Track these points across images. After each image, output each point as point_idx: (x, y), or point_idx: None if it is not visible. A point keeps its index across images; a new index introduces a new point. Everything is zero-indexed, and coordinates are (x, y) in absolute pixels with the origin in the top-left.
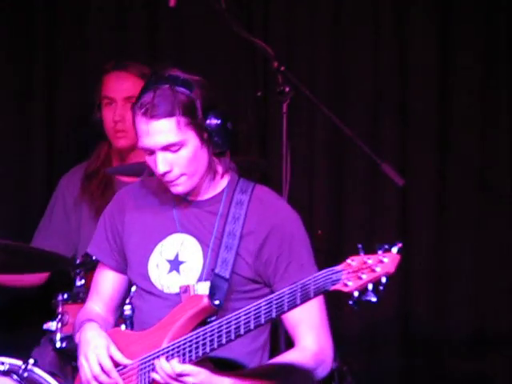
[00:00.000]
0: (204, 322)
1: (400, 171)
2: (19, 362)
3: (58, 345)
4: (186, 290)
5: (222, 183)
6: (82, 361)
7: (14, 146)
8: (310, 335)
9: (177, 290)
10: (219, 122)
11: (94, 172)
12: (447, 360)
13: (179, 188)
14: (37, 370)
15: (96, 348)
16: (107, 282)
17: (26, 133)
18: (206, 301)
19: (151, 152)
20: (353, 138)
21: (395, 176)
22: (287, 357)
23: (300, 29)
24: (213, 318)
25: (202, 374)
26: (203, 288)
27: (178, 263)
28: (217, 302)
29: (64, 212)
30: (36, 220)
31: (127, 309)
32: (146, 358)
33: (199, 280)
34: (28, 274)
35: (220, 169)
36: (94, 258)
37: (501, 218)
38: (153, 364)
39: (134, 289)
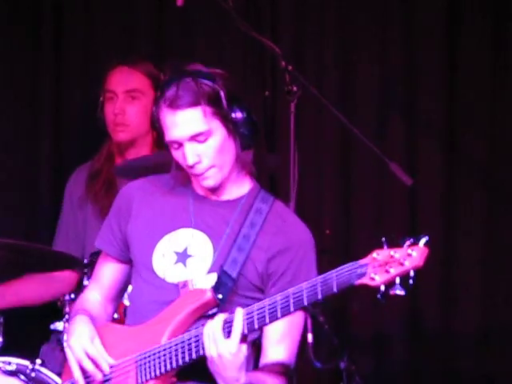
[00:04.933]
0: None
1: (408, 171)
2: (26, 362)
3: (65, 345)
4: (184, 285)
5: (244, 187)
6: (66, 349)
7: (21, 146)
8: (288, 352)
9: (178, 281)
10: (244, 113)
11: (98, 172)
12: (456, 360)
13: (210, 181)
14: (44, 370)
15: (80, 337)
16: (108, 272)
17: (32, 133)
18: (209, 294)
19: (179, 145)
20: (361, 137)
21: (403, 176)
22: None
23: (308, 28)
24: (214, 311)
25: (241, 356)
26: (202, 282)
27: (186, 256)
28: (220, 296)
29: (72, 211)
30: (42, 220)
31: None
32: (144, 353)
33: None
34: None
35: (246, 163)
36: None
37: (509, 216)
38: (153, 359)
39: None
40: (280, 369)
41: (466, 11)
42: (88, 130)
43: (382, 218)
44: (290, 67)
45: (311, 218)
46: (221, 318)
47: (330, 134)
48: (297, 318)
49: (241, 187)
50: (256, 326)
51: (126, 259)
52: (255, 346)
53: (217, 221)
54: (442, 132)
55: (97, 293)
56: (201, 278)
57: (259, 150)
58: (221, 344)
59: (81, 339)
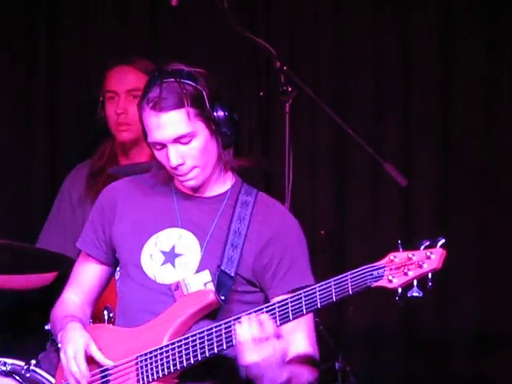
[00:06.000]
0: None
1: (402, 171)
2: (21, 363)
3: (62, 356)
4: (177, 286)
5: (227, 183)
6: (61, 357)
7: (17, 145)
8: (308, 340)
9: (169, 282)
10: (226, 112)
11: (100, 171)
12: (450, 361)
13: (192, 182)
14: (39, 371)
15: (75, 345)
16: (89, 274)
17: (28, 132)
18: (212, 296)
19: (162, 146)
20: (355, 137)
21: (398, 176)
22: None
23: (302, 28)
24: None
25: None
26: (195, 282)
27: (174, 256)
28: (222, 298)
29: (70, 209)
30: (38, 220)
31: None
32: (145, 354)
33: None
34: (32, 275)
35: (227, 161)
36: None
37: (505, 217)
38: (154, 360)
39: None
40: (309, 359)
41: (460, 10)
42: (84, 130)
43: (377, 218)
44: (284, 67)
45: (306, 219)
46: (251, 320)
47: (324, 134)
48: None
49: (223, 184)
50: None
51: (108, 261)
52: None
53: (202, 218)
54: (436, 132)
55: (75, 296)
56: (192, 277)
57: (253, 152)
58: (264, 346)
59: (75, 346)
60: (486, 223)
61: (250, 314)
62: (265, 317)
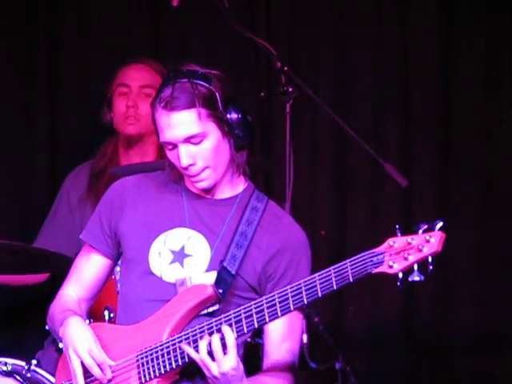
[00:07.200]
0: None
1: (402, 171)
2: (22, 363)
3: (61, 345)
4: (182, 283)
5: (239, 186)
6: (70, 354)
7: (17, 145)
8: (290, 350)
9: (175, 280)
10: (240, 114)
11: (101, 171)
12: (450, 360)
13: (204, 183)
14: (39, 371)
15: (85, 342)
16: (91, 267)
17: (29, 132)
18: (210, 290)
19: (173, 146)
20: (356, 138)
21: (398, 176)
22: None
23: (303, 29)
24: (215, 308)
25: (241, 366)
26: (201, 280)
27: (183, 256)
28: (220, 291)
29: (69, 209)
30: (38, 220)
31: None
32: (145, 351)
33: None
34: (29, 275)
35: (240, 164)
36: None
37: (505, 217)
38: (155, 357)
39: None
40: (283, 367)
41: (461, 11)
42: (84, 130)
43: (377, 218)
44: (285, 68)
45: (306, 219)
46: (209, 338)
47: (325, 134)
48: (297, 318)
49: (235, 187)
50: (267, 320)
51: (111, 256)
52: (246, 347)
53: (213, 219)
54: (437, 133)
55: (73, 292)
56: (199, 276)
57: (254, 152)
58: (222, 363)
59: (87, 344)
60: (486, 223)
61: (248, 306)
62: (226, 328)
